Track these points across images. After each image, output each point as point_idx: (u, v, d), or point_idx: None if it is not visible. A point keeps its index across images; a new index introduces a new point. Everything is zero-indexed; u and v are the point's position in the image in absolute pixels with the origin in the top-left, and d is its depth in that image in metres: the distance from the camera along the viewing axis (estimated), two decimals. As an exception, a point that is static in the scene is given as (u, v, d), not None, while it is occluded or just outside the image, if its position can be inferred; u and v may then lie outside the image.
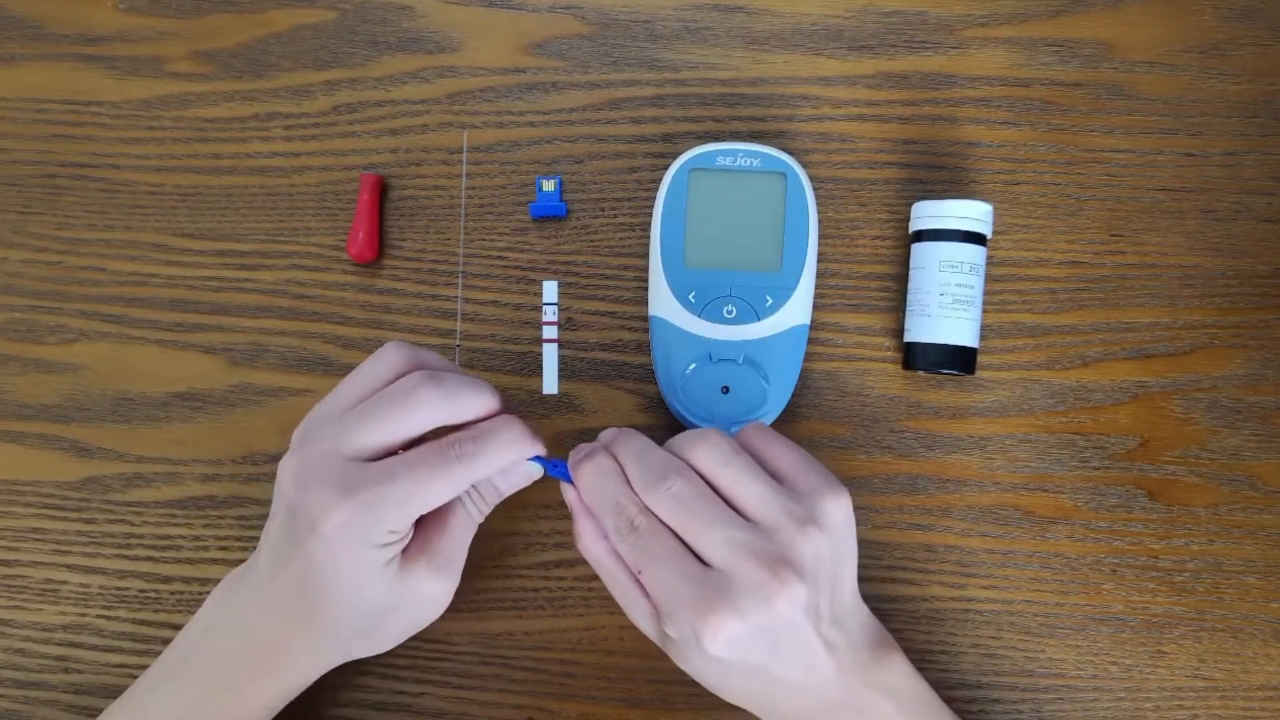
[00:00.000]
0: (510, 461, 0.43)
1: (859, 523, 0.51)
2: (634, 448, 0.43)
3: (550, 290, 0.53)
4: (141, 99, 0.54)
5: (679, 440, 0.44)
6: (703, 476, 0.42)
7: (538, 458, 0.45)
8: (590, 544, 0.44)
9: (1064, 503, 0.51)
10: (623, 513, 0.42)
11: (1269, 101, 0.53)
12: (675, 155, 0.51)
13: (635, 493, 0.42)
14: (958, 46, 0.54)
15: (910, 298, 0.50)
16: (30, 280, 0.54)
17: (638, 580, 0.42)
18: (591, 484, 0.43)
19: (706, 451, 0.42)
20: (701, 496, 0.41)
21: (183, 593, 0.52)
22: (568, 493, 0.45)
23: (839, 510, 0.42)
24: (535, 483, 0.46)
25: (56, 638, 0.52)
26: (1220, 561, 0.51)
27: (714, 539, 0.40)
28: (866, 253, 0.53)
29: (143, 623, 0.52)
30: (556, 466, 0.45)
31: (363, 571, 0.42)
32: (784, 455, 0.43)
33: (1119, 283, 0.52)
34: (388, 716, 0.50)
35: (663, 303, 0.49)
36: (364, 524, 0.40)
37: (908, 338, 0.50)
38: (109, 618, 0.52)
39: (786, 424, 0.52)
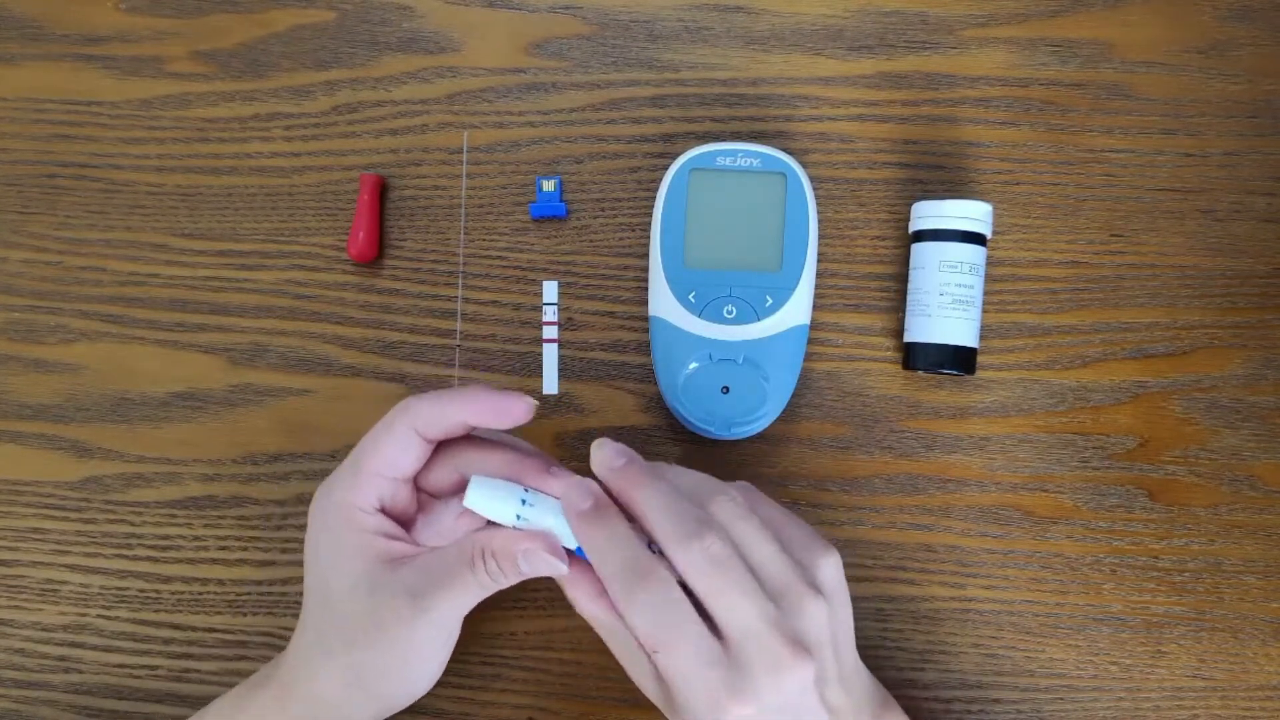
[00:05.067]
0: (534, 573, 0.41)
1: (859, 523, 0.51)
2: (660, 496, 0.39)
3: (550, 290, 0.53)
4: (141, 99, 0.54)
5: (693, 487, 0.41)
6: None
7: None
8: (587, 603, 0.41)
9: (1064, 503, 0.51)
10: (641, 581, 0.38)
11: (1268, 101, 0.53)
12: (675, 155, 0.51)
13: (660, 548, 0.39)
14: (957, 46, 0.54)
15: (910, 298, 0.50)
16: (30, 280, 0.54)
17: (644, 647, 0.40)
18: (602, 548, 0.39)
19: (721, 505, 0.40)
20: (734, 559, 0.38)
21: (183, 593, 0.52)
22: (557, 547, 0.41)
23: (833, 569, 0.41)
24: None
25: (56, 638, 0.52)
26: (1220, 561, 0.51)
27: (740, 609, 0.38)
28: (866, 253, 0.53)
29: (143, 623, 0.52)
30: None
31: (344, 548, 0.42)
32: (774, 516, 0.42)
33: (1119, 283, 0.52)
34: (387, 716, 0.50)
35: (663, 303, 0.49)
36: (352, 486, 0.42)
37: (908, 338, 0.50)
38: (109, 618, 0.52)
39: (786, 424, 0.52)
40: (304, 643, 0.44)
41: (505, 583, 0.41)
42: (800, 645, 0.38)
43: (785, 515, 0.43)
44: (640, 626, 0.38)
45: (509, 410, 0.42)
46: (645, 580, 0.38)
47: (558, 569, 0.41)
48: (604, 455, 0.41)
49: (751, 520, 0.40)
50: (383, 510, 0.43)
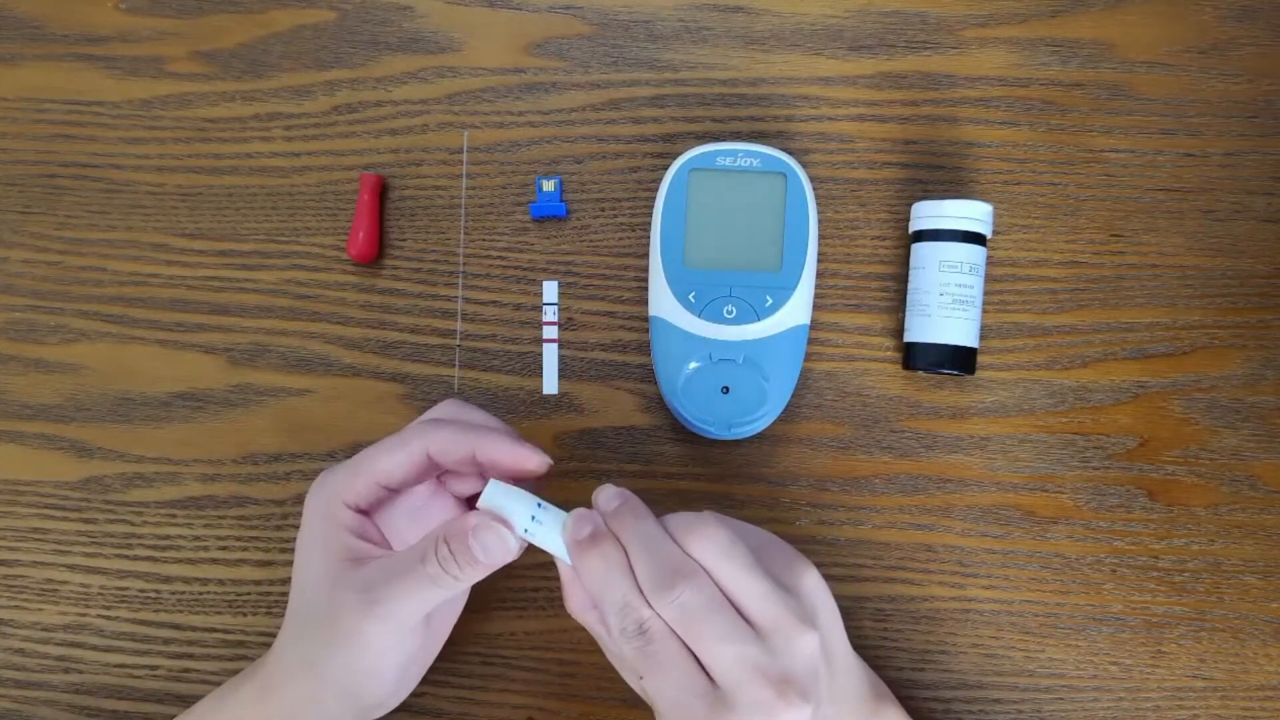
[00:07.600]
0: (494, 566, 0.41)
1: (859, 523, 0.51)
2: (641, 537, 0.40)
3: (550, 290, 0.53)
4: (142, 99, 0.54)
5: (676, 526, 0.40)
6: (703, 569, 0.40)
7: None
8: (581, 610, 0.41)
9: (1064, 503, 0.51)
10: (629, 615, 0.39)
11: (1269, 101, 0.53)
12: (675, 155, 0.51)
13: (643, 593, 0.39)
14: (957, 46, 0.54)
15: (910, 298, 0.50)
16: (30, 280, 0.54)
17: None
18: (597, 577, 0.40)
19: (705, 545, 0.39)
20: (710, 606, 0.38)
21: (183, 593, 0.52)
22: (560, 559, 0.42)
23: (815, 582, 0.41)
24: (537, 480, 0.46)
25: (56, 638, 0.52)
26: (1220, 561, 0.51)
27: (722, 655, 0.38)
28: (866, 253, 0.53)
29: (143, 623, 0.52)
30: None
31: (320, 541, 0.42)
32: (750, 535, 0.42)
33: (1119, 283, 0.52)
34: (388, 716, 0.50)
35: (663, 303, 0.49)
36: (329, 484, 0.43)
37: (908, 338, 0.50)
38: (109, 618, 0.52)
39: (786, 424, 0.52)
40: (284, 639, 0.44)
41: (461, 576, 0.40)
42: (792, 687, 0.38)
43: (762, 536, 0.42)
44: (627, 653, 0.39)
45: (524, 461, 0.42)
46: (633, 610, 0.39)
47: (508, 548, 0.40)
48: (601, 498, 0.42)
49: (734, 556, 0.39)
50: (365, 512, 0.43)
